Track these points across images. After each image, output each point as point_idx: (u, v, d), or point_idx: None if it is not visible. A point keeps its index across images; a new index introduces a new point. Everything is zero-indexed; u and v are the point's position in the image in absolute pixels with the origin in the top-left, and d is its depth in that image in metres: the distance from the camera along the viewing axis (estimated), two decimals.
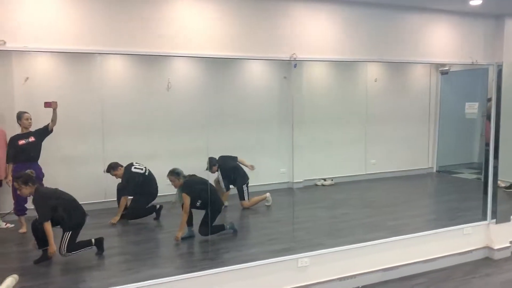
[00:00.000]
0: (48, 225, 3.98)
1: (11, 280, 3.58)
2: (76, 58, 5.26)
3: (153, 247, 4.73)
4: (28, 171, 4.13)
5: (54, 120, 4.75)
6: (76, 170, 5.54)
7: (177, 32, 3.56)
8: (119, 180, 5.45)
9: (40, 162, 4.88)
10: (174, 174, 4.73)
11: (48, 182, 4.60)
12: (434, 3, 4.38)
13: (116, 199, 5.36)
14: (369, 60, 4.42)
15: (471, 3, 4.25)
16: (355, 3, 4.20)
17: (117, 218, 5.24)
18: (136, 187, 5.39)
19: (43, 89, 5.36)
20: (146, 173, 5.51)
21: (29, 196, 4.11)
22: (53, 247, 4.01)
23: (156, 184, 5.54)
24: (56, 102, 4.63)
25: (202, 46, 3.65)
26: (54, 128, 4.84)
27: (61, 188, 4.27)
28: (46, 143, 4.93)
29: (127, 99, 5.93)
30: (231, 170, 5.91)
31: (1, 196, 5.07)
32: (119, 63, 5.91)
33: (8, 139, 4.89)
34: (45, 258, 4.11)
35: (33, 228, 4.13)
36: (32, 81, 5.25)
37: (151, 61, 5.69)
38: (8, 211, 4.99)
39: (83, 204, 4.32)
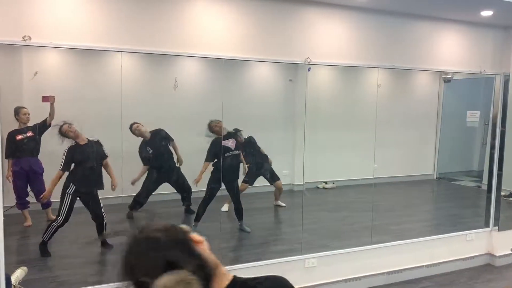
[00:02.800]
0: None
1: (20, 272, 3.61)
2: (86, 55, 5.28)
3: None
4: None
5: (51, 114, 4.74)
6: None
7: (192, 33, 3.61)
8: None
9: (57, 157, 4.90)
10: None
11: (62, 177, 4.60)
12: (445, 13, 4.45)
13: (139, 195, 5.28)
14: (381, 66, 4.49)
15: (482, 14, 4.32)
16: (367, 10, 4.26)
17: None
18: None
19: (51, 84, 5.36)
20: None
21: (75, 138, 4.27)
22: (115, 180, 4.31)
23: None
24: (53, 97, 4.60)
25: (216, 47, 3.71)
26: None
27: None
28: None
29: (136, 97, 5.93)
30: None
31: None
32: (127, 61, 5.92)
33: None
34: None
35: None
36: (41, 76, 5.25)
37: (159, 59, 5.70)
38: (11, 205, 4.99)
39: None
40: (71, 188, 4.16)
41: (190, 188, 5.20)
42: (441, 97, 8.47)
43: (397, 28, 4.46)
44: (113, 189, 4.37)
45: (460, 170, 8.75)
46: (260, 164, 5.65)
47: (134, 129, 5.10)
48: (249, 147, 5.62)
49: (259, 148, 5.70)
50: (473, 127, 7.16)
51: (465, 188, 8.12)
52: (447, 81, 8.33)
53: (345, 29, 4.23)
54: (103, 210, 4.28)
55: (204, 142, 5.50)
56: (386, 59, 4.40)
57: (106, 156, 4.46)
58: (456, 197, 7.50)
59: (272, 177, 5.73)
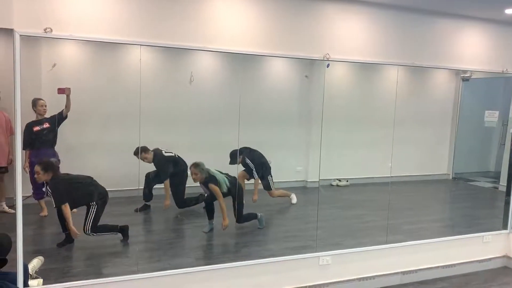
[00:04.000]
0: (65, 208, 4.08)
1: (37, 261, 3.67)
2: (104, 47, 5.30)
3: (175, 237, 4.80)
4: (53, 159, 4.22)
5: (68, 106, 4.78)
6: (109, 157, 5.55)
7: (211, 28, 3.60)
8: (148, 167, 5.46)
9: (74, 149, 4.96)
10: (198, 167, 4.77)
11: (80, 169, 4.64)
12: (468, 10, 4.37)
13: (143, 187, 5.37)
14: (401, 64, 4.42)
15: (507, 11, 4.23)
16: (388, 6, 4.21)
17: (168, 202, 5.29)
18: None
19: (70, 76, 5.40)
20: (177, 157, 5.50)
21: (45, 181, 4.18)
22: (74, 230, 4.10)
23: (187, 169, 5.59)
24: (69, 89, 4.63)
25: (234, 42, 3.69)
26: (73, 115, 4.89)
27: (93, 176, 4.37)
28: (71, 130, 5.00)
29: (153, 91, 5.93)
30: (258, 161, 5.83)
31: (10, 181, 5.13)
32: (145, 54, 5.92)
33: (13, 125, 4.94)
34: (68, 241, 4.19)
35: (58, 212, 4.21)
36: (59, 68, 5.29)
37: (177, 53, 5.71)
38: (28, 195, 5.05)
39: (116, 191, 4.39)
40: None
41: (181, 205, 5.39)
42: (459, 96, 8.35)
43: (417, 25, 4.39)
44: None
45: (477, 171, 8.63)
46: (258, 170, 5.74)
47: (142, 157, 5.25)
48: (250, 155, 5.73)
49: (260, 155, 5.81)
50: (491, 127, 7.04)
51: (481, 189, 8.00)
52: (465, 79, 8.21)
53: (365, 26, 4.17)
54: None
55: (211, 137, 5.56)
56: (405, 56, 4.34)
57: None
58: (472, 198, 7.40)
59: (266, 187, 5.82)
